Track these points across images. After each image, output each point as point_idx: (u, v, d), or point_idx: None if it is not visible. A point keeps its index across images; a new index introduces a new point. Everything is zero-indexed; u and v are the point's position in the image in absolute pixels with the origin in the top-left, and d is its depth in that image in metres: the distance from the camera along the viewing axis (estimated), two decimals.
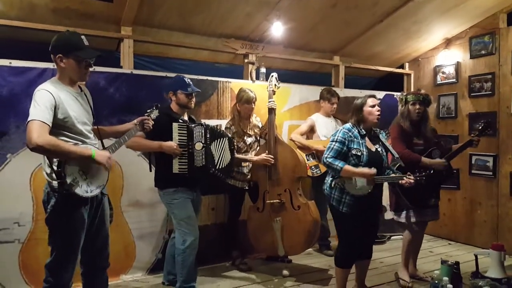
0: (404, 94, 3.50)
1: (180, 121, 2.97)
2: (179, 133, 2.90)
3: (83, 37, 2.23)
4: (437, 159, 3.26)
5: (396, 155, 2.93)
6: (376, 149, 2.89)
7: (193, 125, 2.96)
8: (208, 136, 2.99)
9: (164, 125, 2.82)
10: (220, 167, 3.08)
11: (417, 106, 3.32)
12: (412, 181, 2.79)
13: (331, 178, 2.90)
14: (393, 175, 2.90)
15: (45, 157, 2.14)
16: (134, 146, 2.88)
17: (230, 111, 3.89)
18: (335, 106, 4.20)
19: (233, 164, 3.28)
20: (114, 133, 2.62)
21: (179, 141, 2.89)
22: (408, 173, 2.83)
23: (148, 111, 2.70)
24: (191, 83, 3.09)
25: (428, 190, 3.26)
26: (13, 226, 3.09)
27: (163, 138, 2.87)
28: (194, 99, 3.10)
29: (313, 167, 4.04)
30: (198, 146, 2.91)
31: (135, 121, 2.60)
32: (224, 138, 3.17)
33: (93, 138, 2.33)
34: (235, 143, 3.42)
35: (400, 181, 2.83)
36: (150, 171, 3.05)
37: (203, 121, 3.65)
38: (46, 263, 2.22)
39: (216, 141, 3.08)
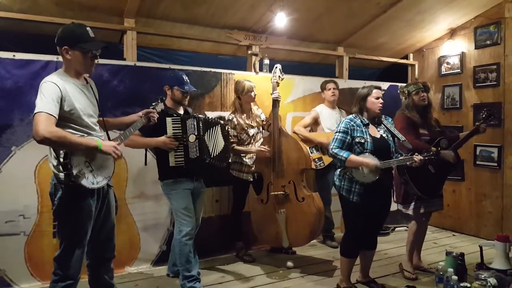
0: (404, 86, 3.50)
1: (174, 115, 3.00)
2: (173, 127, 2.95)
3: (88, 29, 2.22)
4: (445, 150, 3.24)
5: (403, 138, 2.92)
6: (381, 135, 2.90)
7: (185, 118, 2.99)
8: (201, 127, 3.02)
9: (159, 120, 2.83)
10: (214, 155, 3.10)
11: (421, 94, 3.35)
12: (421, 158, 2.80)
13: (340, 169, 2.90)
14: (401, 157, 2.89)
15: (51, 149, 2.14)
16: (131, 144, 2.91)
17: (231, 104, 3.87)
18: (332, 91, 4.18)
19: (227, 150, 3.29)
20: (119, 125, 2.63)
21: (174, 135, 2.94)
22: (416, 153, 2.84)
23: (154, 104, 2.72)
24: (188, 81, 3.11)
25: (438, 179, 3.27)
26: (19, 218, 3.11)
27: (158, 133, 2.91)
28: (188, 98, 3.15)
29: (316, 160, 4.03)
30: (192, 138, 2.96)
31: (140, 113, 2.60)
32: (217, 126, 3.19)
33: (99, 130, 2.33)
34: (228, 129, 3.43)
35: (408, 163, 2.82)
36: (145, 164, 3.06)
37: (206, 113, 3.64)
38: (55, 256, 2.23)
39: (209, 130, 3.11)
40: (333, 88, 4.19)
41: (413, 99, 3.36)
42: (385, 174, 2.81)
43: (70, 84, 2.18)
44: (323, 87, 4.27)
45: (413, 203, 3.32)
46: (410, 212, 3.36)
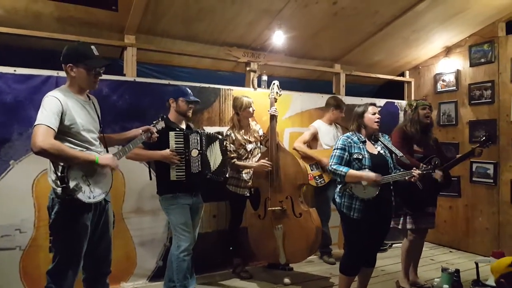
0: (413, 100, 3.57)
1: (177, 129, 3.02)
2: (176, 141, 2.96)
3: (93, 47, 2.28)
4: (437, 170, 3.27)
5: (401, 154, 2.95)
6: (379, 152, 2.92)
7: (188, 133, 3.01)
8: (204, 142, 3.05)
9: (162, 134, 2.86)
10: (213, 169, 3.12)
11: (427, 110, 3.44)
12: (420, 172, 2.83)
13: (340, 186, 2.92)
14: (399, 173, 2.91)
15: (50, 163, 2.16)
16: (134, 157, 2.92)
17: (229, 120, 3.90)
18: (343, 114, 4.25)
19: (225, 164, 3.30)
20: (120, 141, 2.65)
21: (176, 149, 2.95)
22: (414, 168, 2.86)
23: (154, 122, 2.74)
24: (192, 93, 3.15)
25: (427, 197, 3.29)
26: (15, 233, 3.09)
27: (161, 147, 2.91)
28: (192, 110, 3.16)
29: (317, 177, 4.04)
30: (194, 153, 2.99)
31: (140, 130, 2.62)
32: (216, 141, 3.22)
33: (99, 146, 2.35)
34: (226, 143, 3.43)
35: (407, 178, 2.84)
36: (150, 179, 3.07)
37: (204, 128, 3.66)
38: (48, 269, 2.23)
39: (210, 146, 3.14)
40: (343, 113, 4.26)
41: (419, 113, 3.43)
42: (385, 190, 2.82)
43: (72, 100, 2.22)
44: (335, 106, 4.21)
45: (401, 218, 3.36)
46: (399, 226, 3.38)
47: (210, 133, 3.26)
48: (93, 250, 2.35)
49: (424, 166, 2.89)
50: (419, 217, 3.35)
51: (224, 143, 3.34)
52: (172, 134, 2.96)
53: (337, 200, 2.94)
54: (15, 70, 3.10)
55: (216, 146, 3.21)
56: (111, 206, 2.49)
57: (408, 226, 3.34)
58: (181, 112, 3.10)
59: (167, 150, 2.92)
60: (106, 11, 3.42)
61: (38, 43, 3.45)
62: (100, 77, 2.33)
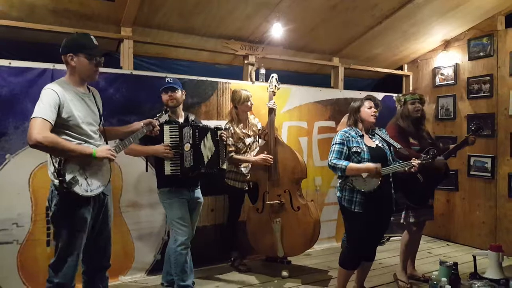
0: (401, 95, 3.57)
1: (173, 123, 2.99)
2: (170, 135, 2.93)
3: (92, 37, 2.28)
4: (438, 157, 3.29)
5: (399, 146, 2.96)
6: (377, 144, 2.92)
7: (182, 126, 2.97)
8: (197, 135, 3.00)
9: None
10: (206, 163, 3.08)
11: (417, 105, 3.43)
12: (420, 162, 2.83)
13: (340, 180, 2.91)
14: (398, 164, 2.90)
15: (50, 156, 2.15)
16: (129, 152, 2.91)
17: (228, 113, 3.88)
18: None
19: (218, 155, 3.21)
20: (121, 134, 2.63)
21: (171, 143, 2.92)
22: (413, 158, 2.86)
23: (158, 115, 2.72)
24: (170, 81, 3.10)
25: (427, 189, 3.32)
26: (12, 227, 3.08)
27: (156, 141, 2.89)
28: (175, 97, 3.05)
29: None
30: (187, 147, 2.96)
31: (141, 123, 2.60)
32: (208, 133, 3.15)
33: (98, 139, 2.34)
34: (220, 133, 3.30)
35: (407, 168, 2.83)
36: (146, 171, 3.04)
37: (202, 121, 3.64)
38: (50, 262, 2.23)
39: (204, 138, 3.09)
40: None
41: (408, 108, 3.43)
42: (385, 183, 2.82)
43: (71, 92, 2.20)
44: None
45: (403, 212, 3.37)
46: (401, 221, 3.39)
47: (203, 125, 3.21)
48: (92, 243, 2.35)
49: (424, 156, 2.90)
50: (420, 210, 3.37)
51: (218, 133, 3.27)
52: (166, 128, 2.93)
53: (338, 194, 2.94)
54: (10, 63, 3.05)
55: (208, 138, 3.15)
56: (111, 200, 2.48)
57: (411, 220, 3.36)
58: (166, 105, 3.06)
59: (160, 145, 2.89)
60: (102, 2, 3.36)
61: (34, 36, 3.41)
62: (100, 67, 2.31)
